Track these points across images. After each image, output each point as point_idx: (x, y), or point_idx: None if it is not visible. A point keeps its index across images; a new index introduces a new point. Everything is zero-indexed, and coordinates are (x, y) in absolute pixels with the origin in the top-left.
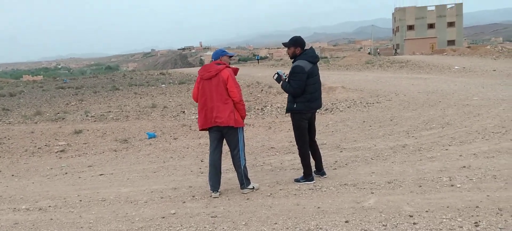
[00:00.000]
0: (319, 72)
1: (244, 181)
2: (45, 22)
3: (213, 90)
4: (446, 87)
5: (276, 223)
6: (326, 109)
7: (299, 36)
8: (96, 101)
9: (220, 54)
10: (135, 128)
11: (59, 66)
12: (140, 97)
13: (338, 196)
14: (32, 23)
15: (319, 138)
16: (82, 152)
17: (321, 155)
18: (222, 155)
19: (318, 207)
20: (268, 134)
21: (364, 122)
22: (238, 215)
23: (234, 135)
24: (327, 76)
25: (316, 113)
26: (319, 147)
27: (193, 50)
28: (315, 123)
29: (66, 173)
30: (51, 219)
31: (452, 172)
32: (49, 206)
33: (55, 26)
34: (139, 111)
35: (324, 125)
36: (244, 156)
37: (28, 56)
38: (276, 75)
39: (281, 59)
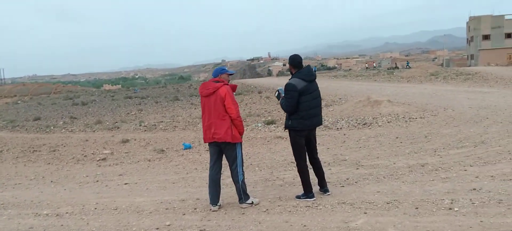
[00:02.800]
0: (379, 83)
1: (242, 195)
2: (124, 34)
3: (211, 107)
4: (502, 102)
5: None
6: (364, 124)
7: (295, 55)
8: (154, 111)
9: (219, 72)
10: (178, 138)
11: (137, 76)
12: (195, 108)
13: (330, 215)
14: (113, 35)
15: (344, 153)
16: (119, 161)
17: (336, 171)
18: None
19: (304, 225)
20: None
21: (397, 138)
22: (224, 229)
23: (232, 150)
24: (382, 88)
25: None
26: (338, 162)
27: (262, 61)
28: (316, 140)
29: (97, 181)
30: (62, 225)
31: (458, 194)
32: (66, 213)
33: (133, 39)
34: (189, 122)
35: (355, 140)
36: (243, 171)
37: (110, 66)
38: (277, 92)
39: (350, 69)
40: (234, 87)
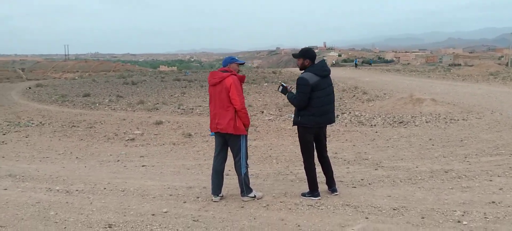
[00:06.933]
0: (432, 80)
1: (244, 188)
2: (183, 18)
3: (217, 97)
4: None
5: None
6: (400, 122)
7: (310, 48)
8: (196, 95)
9: (229, 62)
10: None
11: (192, 59)
12: None
13: (329, 217)
14: (172, 18)
15: (368, 152)
16: (146, 142)
17: (353, 170)
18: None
19: (299, 225)
20: None
21: (430, 139)
22: (217, 222)
23: (236, 142)
24: (433, 86)
25: (338, 127)
26: (359, 161)
27: (316, 50)
28: (326, 138)
29: (118, 161)
30: (67, 202)
31: (473, 207)
32: (77, 190)
33: (191, 22)
34: None
35: (386, 138)
36: (246, 164)
37: (167, 48)
38: (281, 87)
39: (408, 63)
40: (242, 78)
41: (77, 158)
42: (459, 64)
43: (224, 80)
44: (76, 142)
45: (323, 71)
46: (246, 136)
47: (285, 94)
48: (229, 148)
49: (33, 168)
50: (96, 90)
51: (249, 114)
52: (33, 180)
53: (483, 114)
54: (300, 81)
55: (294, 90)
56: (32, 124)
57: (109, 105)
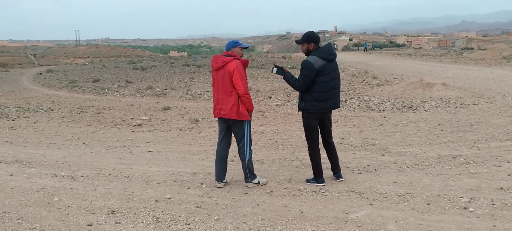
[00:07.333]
0: (443, 64)
1: (248, 174)
2: (194, 2)
3: (219, 81)
4: None
5: (244, 222)
6: (410, 107)
7: (312, 31)
8: (205, 81)
9: (232, 45)
10: None
11: (202, 44)
12: None
13: (333, 203)
14: (182, 3)
15: (375, 137)
16: (153, 128)
17: (359, 156)
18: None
19: (302, 212)
20: None
21: (439, 124)
22: (220, 208)
23: (239, 127)
24: (445, 70)
25: (343, 112)
26: (365, 147)
27: (327, 35)
28: (331, 123)
29: (124, 147)
30: (72, 188)
31: (480, 193)
32: (82, 176)
33: (202, 8)
34: None
35: (394, 124)
36: (250, 150)
37: (177, 33)
38: (276, 68)
39: (420, 47)
40: (245, 63)
41: (84, 143)
42: (472, 48)
43: (227, 64)
44: (83, 128)
45: (329, 55)
46: (249, 121)
47: (281, 75)
48: (233, 133)
49: (40, 153)
50: (105, 75)
51: (255, 100)
52: (39, 166)
53: (494, 99)
54: (305, 65)
55: (296, 74)
56: (41, 109)
57: (118, 91)
